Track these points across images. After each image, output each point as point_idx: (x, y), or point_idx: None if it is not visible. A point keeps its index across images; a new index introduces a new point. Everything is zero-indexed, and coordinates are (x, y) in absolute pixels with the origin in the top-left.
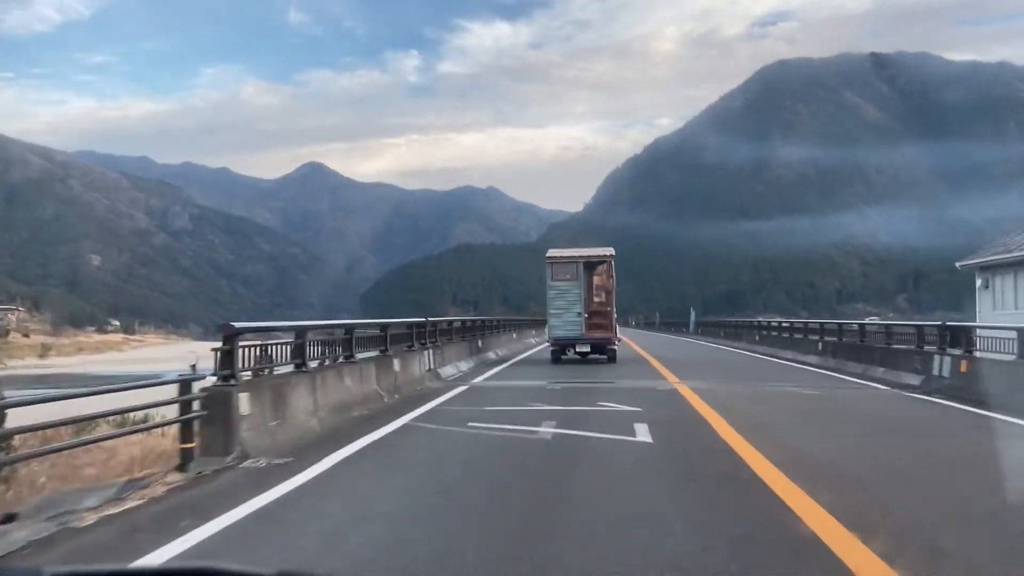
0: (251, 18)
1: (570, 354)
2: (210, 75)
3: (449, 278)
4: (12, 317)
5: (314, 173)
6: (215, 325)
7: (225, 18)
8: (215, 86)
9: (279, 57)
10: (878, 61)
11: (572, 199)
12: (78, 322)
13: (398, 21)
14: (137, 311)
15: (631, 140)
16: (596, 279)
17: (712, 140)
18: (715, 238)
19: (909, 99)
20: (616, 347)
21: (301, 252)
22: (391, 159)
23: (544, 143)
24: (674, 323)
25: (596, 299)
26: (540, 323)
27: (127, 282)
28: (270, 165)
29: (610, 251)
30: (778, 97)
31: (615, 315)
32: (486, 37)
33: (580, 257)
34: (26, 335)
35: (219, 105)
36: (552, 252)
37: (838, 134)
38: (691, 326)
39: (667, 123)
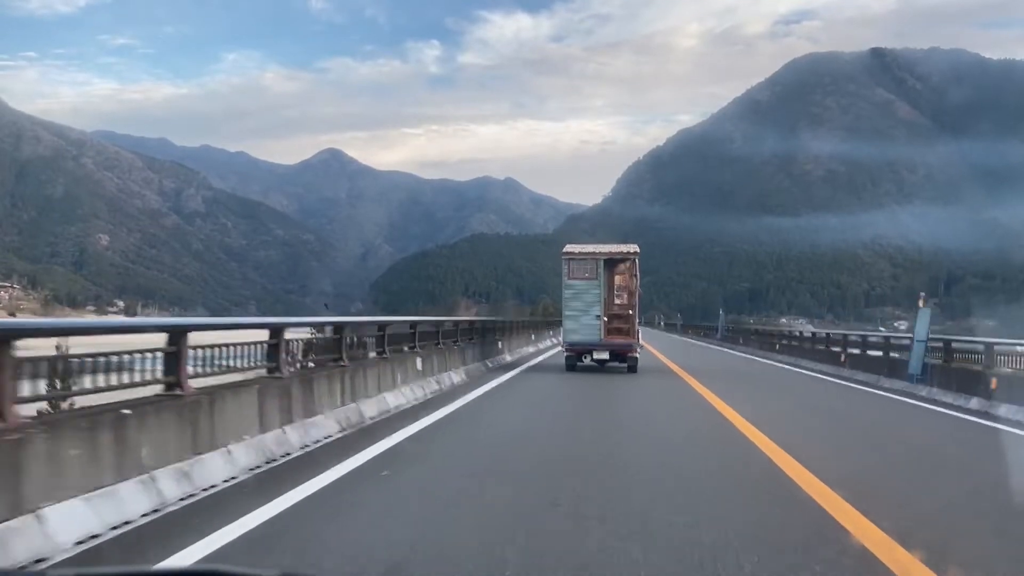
0: (272, 4)
1: (587, 361)
2: (231, 60)
3: (462, 268)
4: (4, 295)
5: (332, 159)
6: (223, 309)
7: (246, 4)
8: (236, 71)
9: (300, 44)
10: (911, 57)
11: (591, 193)
12: (77, 302)
13: (420, 11)
14: (144, 292)
15: (650, 136)
16: (618, 279)
17: (738, 133)
18: (738, 234)
19: (943, 96)
20: (638, 355)
21: (315, 239)
22: (410, 149)
23: (563, 136)
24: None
25: (617, 301)
26: (548, 325)
27: (135, 263)
28: (289, 152)
29: (634, 248)
30: (807, 91)
31: (638, 319)
32: (507, 29)
33: (601, 254)
34: (12, 314)
35: (239, 90)
36: (569, 247)
37: (868, 130)
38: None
39: (687, 119)
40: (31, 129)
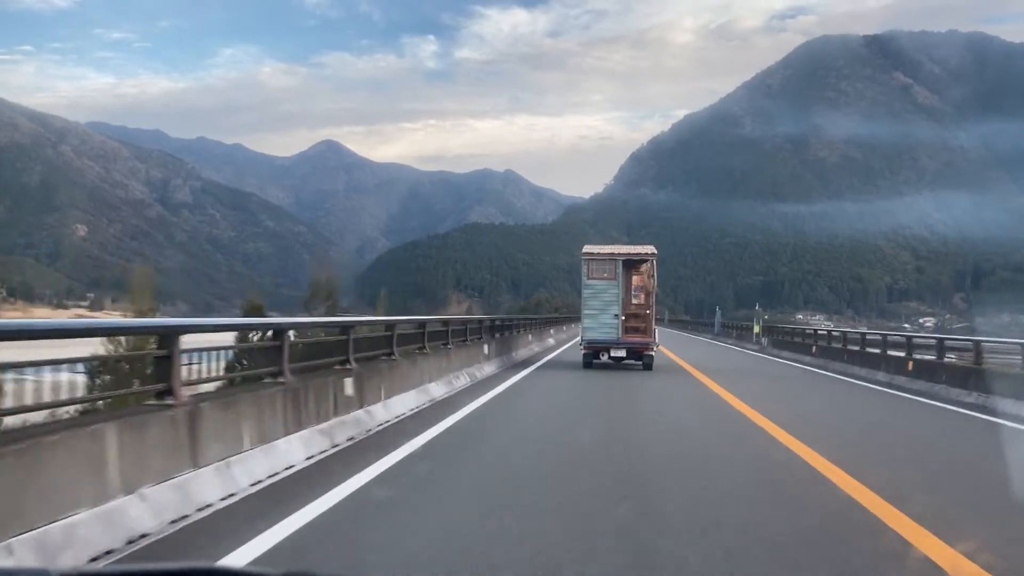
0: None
1: (604, 359)
2: (228, 55)
3: (455, 260)
4: None
5: (329, 152)
6: (204, 303)
7: None
8: (232, 66)
9: (296, 39)
10: (927, 40)
11: (594, 186)
12: (44, 297)
13: (415, 6)
14: (121, 285)
15: (648, 131)
16: (636, 279)
17: (747, 118)
18: (750, 223)
19: (964, 80)
20: (654, 353)
21: (308, 231)
22: (408, 143)
23: (561, 131)
24: None
25: (635, 300)
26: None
27: (114, 255)
28: (286, 146)
29: (651, 249)
30: (820, 74)
31: (655, 318)
32: (503, 24)
33: (619, 254)
34: None
35: (236, 84)
36: (589, 248)
37: (886, 115)
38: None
39: (684, 114)
40: (8, 116)
